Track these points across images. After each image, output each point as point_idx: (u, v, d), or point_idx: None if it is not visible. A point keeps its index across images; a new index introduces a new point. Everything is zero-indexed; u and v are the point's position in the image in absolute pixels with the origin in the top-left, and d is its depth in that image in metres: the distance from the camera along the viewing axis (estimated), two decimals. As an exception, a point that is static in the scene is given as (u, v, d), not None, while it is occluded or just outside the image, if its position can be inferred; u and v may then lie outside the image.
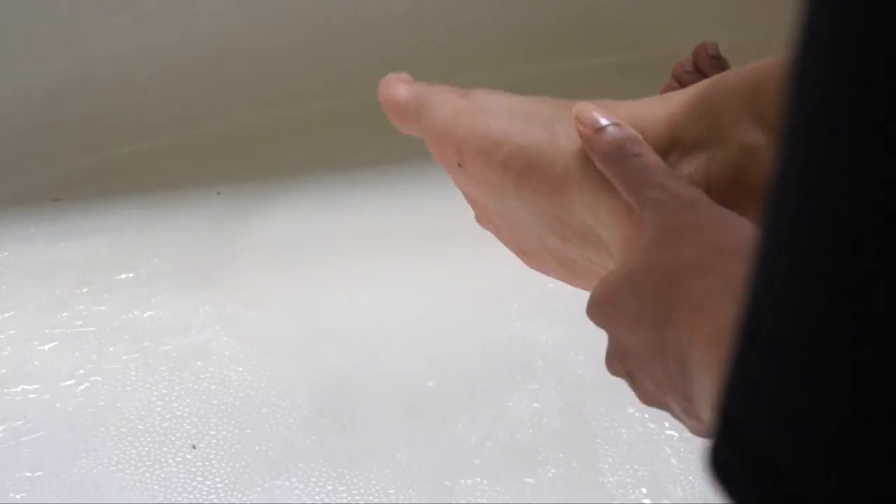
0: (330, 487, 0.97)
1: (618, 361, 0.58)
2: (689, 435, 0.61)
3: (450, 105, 0.72)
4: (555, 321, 1.10)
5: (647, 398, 0.57)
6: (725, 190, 0.62)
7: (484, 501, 0.96)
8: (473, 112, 0.70)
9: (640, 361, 0.56)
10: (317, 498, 0.96)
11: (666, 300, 0.53)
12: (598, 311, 0.58)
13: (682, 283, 0.53)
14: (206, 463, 0.99)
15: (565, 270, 0.74)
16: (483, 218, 0.77)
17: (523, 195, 0.68)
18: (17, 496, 0.97)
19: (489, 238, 1.17)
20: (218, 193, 1.24)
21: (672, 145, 0.63)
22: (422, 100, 0.74)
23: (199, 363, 1.06)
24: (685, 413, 0.55)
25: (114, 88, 1.28)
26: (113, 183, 1.25)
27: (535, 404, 1.03)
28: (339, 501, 0.96)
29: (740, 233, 0.55)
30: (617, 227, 0.65)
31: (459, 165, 0.70)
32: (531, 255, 0.75)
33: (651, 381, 0.55)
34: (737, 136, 0.62)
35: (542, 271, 0.76)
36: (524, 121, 0.69)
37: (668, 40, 1.36)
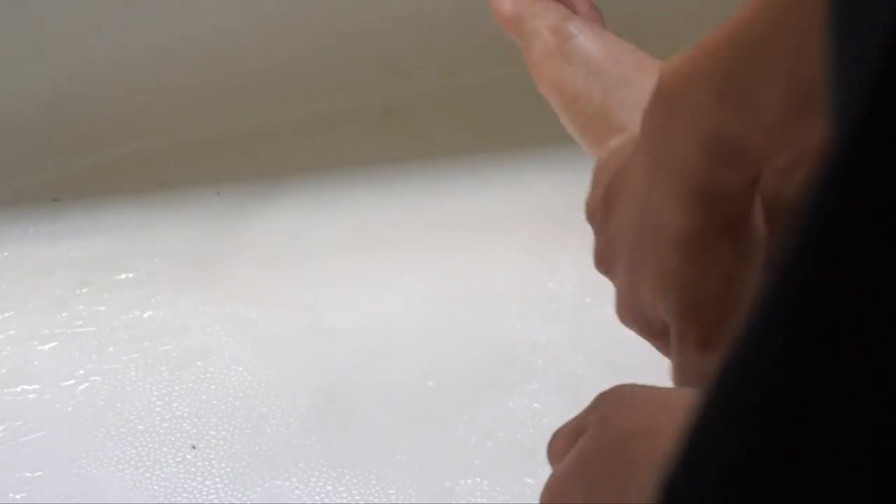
0: (330, 487, 0.97)
1: None
2: (690, 435, 0.60)
3: (541, 40, 0.77)
4: (555, 321, 1.10)
5: None
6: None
7: (484, 501, 0.96)
8: (558, 59, 0.76)
9: None
10: (317, 498, 0.96)
11: (618, 475, 0.51)
12: None
13: (631, 453, 0.51)
14: (206, 463, 0.99)
15: None
16: None
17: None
18: (17, 496, 0.97)
19: (489, 238, 1.16)
20: (218, 193, 1.24)
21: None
22: (521, 22, 0.80)
23: (199, 363, 1.06)
24: None
25: (114, 88, 1.28)
26: (113, 183, 1.25)
27: (535, 404, 1.03)
28: (339, 501, 0.96)
29: (676, 392, 0.55)
30: None
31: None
32: None
33: None
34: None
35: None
36: (595, 81, 0.73)
37: (669, 40, 1.36)
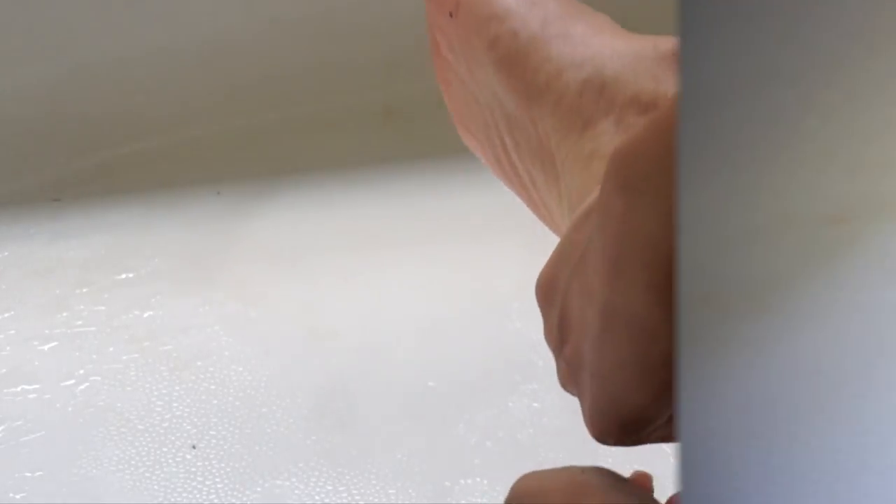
0: (330, 487, 0.97)
1: None
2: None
3: None
4: (555, 321, 1.10)
5: None
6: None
7: (484, 501, 0.96)
8: None
9: None
10: (317, 498, 0.96)
11: None
12: None
13: None
14: (206, 463, 0.99)
15: (500, 168, 0.69)
16: (441, 66, 0.72)
17: (499, 80, 0.64)
18: (17, 496, 0.97)
19: (490, 238, 1.16)
20: (218, 193, 1.24)
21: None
22: None
23: (199, 363, 1.06)
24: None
25: (114, 88, 1.28)
26: (113, 183, 1.25)
27: (535, 404, 1.03)
28: (339, 501, 0.96)
29: (582, 470, 0.54)
30: (576, 175, 0.60)
31: (451, 15, 0.66)
32: (471, 133, 0.70)
33: None
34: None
35: (473, 150, 0.71)
36: (532, 7, 0.64)
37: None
